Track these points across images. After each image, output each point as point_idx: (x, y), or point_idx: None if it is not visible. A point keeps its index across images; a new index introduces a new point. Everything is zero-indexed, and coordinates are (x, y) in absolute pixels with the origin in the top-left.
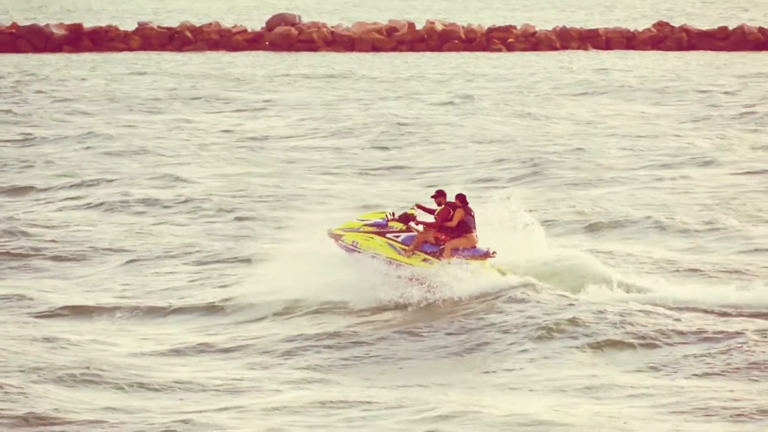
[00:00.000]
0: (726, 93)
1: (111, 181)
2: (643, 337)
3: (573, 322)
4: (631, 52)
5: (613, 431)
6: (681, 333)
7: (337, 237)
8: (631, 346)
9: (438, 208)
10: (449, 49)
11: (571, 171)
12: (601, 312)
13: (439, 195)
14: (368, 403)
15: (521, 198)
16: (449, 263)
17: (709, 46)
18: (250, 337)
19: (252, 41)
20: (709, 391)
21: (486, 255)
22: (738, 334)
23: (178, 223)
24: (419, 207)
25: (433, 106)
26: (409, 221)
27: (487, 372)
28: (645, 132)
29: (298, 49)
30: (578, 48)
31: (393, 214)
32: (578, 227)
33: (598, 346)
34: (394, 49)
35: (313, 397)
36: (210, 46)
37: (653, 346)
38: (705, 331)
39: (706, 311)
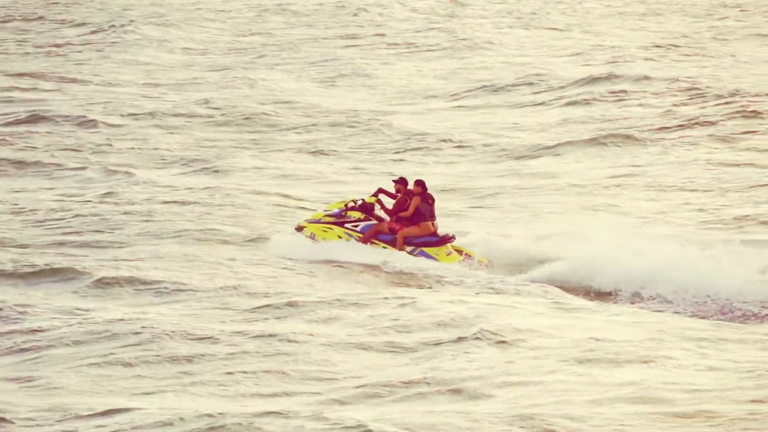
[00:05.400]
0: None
1: None
2: None
3: None
4: None
5: None
6: None
7: (300, 229)
8: None
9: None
10: None
11: None
12: None
13: (400, 182)
14: None
15: None
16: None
17: None
18: None
19: None
20: None
21: (442, 241)
22: None
23: None
24: (382, 191)
25: None
26: (369, 211)
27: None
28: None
29: None
30: None
31: (363, 200)
32: None
33: None
34: None
35: None
36: None
37: None
38: None
39: None
